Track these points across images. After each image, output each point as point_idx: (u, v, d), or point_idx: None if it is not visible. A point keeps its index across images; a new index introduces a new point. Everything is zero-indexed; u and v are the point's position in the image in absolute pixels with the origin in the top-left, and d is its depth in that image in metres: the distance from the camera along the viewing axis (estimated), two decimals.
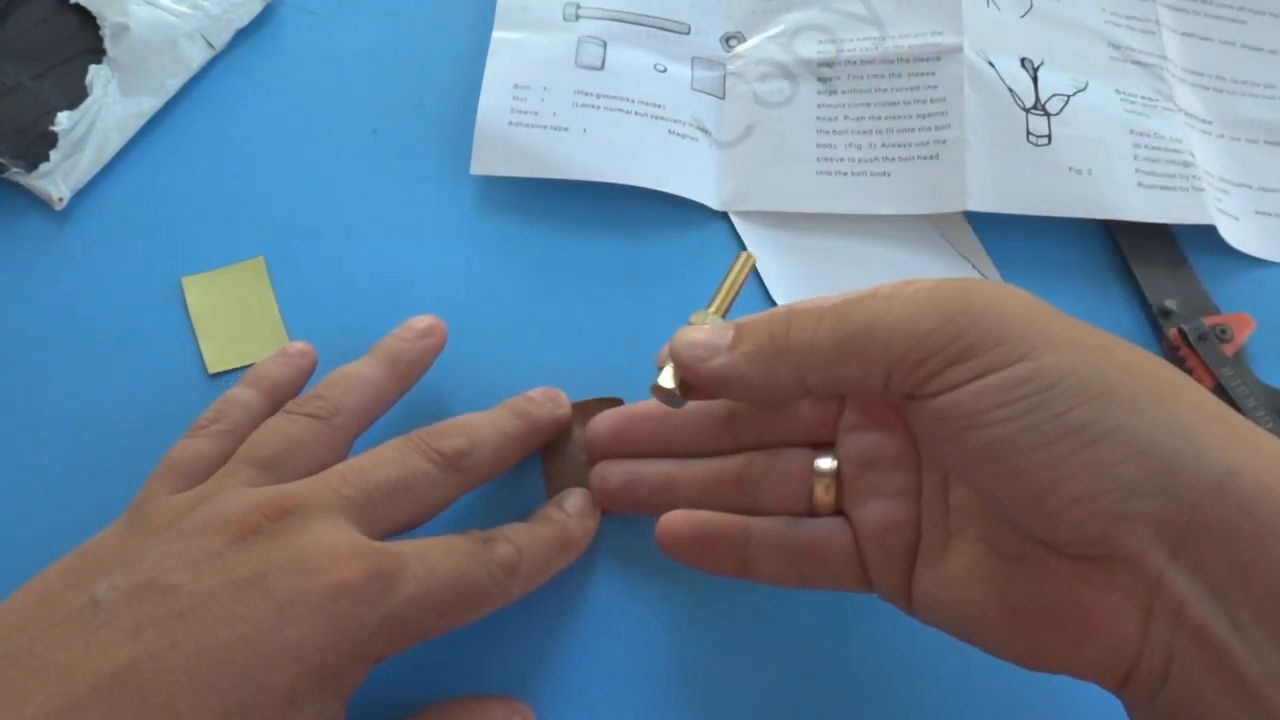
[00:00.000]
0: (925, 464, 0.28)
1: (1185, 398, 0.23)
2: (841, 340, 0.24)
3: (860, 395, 0.29)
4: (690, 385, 0.27)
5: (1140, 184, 0.39)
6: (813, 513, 0.29)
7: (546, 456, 0.33)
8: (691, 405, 0.30)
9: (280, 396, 0.31)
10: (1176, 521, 0.21)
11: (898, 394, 0.24)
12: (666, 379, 0.28)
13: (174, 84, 0.40)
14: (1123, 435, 0.21)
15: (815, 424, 0.30)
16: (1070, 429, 0.21)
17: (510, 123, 0.39)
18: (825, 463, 0.29)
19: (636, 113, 0.40)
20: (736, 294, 0.30)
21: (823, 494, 0.29)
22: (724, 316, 0.29)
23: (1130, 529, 0.21)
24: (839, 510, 0.29)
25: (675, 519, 0.30)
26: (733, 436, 0.31)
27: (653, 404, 0.31)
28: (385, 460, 0.28)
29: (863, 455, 0.29)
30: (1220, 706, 0.21)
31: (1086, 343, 0.23)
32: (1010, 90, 0.40)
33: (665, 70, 0.42)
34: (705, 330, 0.27)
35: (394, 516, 0.27)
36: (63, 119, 0.38)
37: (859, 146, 0.40)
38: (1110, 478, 0.21)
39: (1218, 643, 0.21)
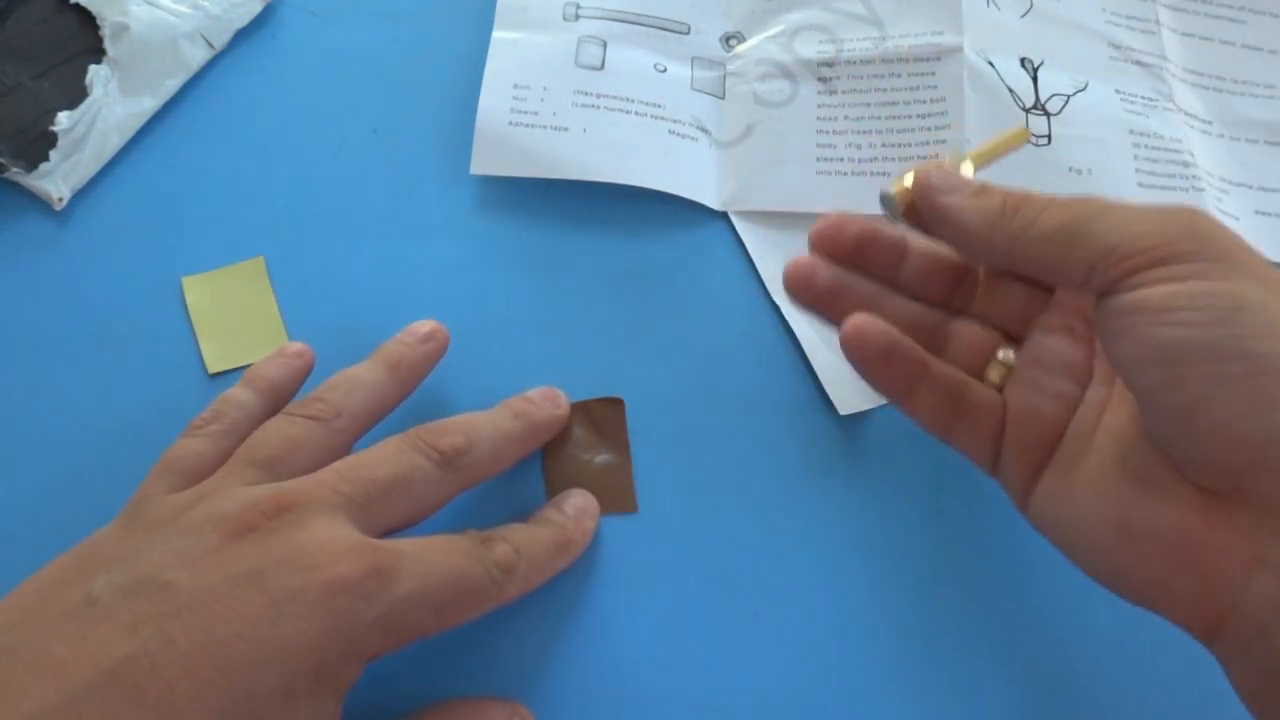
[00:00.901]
0: (1096, 379, 0.28)
1: None
2: (1061, 226, 0.25)
3: (1062, 283, 0.29)
4: (915, 210, 0.29)
5: (1140, 184, 0.39)
6: None
7: (546, 456, 0.33)
8: (929, 255, 0.31)
9: (278, 397, 0.31)
10: None
11: (1096, 288, 0.25)
12: (900, 189, 0.29)
13: (174, 84, 0.40)
14: None
15: (1015, 315, 0.31)
16: (1244, 353, 0.22)
17: (510, 123, 0.39)
18: (1006, 354, 0.30)
19: (636, 113, 0.40)
20: (997, 156, 0.31)
21: (994, 378, 0.30)
22: (975, 170, 0.30)
23: (1270, 477, 0.22)
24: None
25: (870, 323, 0.30)
26: (944, 295, 0.31)
27: (895, 232, 0.31)
28: (383, 458, 0.28)
29: (1042, 354, 0.29)
30: None
31: None
32: (1010, 90, 0.40)
33: (665, 70, 0.42)
34: (958, 173, 0.28)
35: (391, 514, 0.27)
36: (63, 119, 0.38)
37: (859, 146, 0.40)
38: (1264, 415, 0.21)
39: None
